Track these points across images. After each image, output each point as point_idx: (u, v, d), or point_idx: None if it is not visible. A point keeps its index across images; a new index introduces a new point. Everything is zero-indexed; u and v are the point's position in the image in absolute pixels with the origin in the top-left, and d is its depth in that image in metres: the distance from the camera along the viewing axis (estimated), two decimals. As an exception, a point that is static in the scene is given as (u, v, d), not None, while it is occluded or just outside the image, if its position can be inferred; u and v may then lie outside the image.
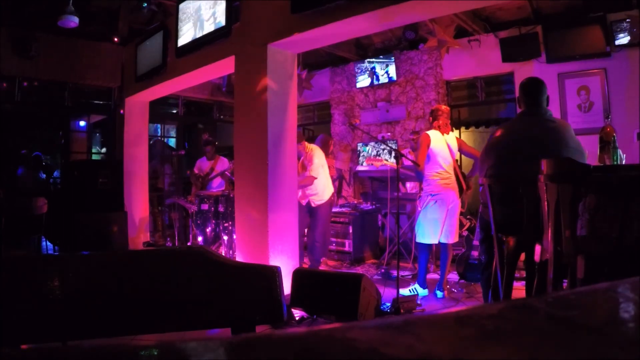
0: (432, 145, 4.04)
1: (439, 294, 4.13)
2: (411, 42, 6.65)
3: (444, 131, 4.14)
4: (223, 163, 6.39)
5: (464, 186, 4.20)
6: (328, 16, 3.60)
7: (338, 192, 6.81)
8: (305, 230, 4.97)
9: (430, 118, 4.26)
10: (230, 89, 7.46)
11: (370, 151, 7.09)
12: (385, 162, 4.65)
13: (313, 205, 4.76)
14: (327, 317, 3.34)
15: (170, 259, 1.00)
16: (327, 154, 5.62)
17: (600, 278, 1.76)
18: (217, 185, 6.31)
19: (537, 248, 2.38)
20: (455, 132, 6.37)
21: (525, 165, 2.29)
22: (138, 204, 6.75)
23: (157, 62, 5.72)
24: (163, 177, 7.91)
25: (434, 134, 4.10)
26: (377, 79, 7.18)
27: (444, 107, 4.28)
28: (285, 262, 3.95)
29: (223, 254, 4.74)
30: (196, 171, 6.39)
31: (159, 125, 9.03)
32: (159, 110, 7.82)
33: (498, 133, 2.81)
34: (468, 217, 4.96)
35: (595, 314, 0.34)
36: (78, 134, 8.41)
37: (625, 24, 5.08)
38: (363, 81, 7.36)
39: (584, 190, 1.74)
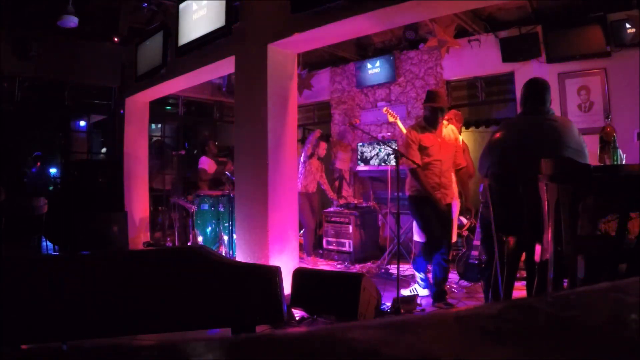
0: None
1: (439, 294, 4.13)
2: (411, 42, 6.65)
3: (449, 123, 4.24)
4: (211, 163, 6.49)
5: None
6: (328, 16, 3.60)
7: (338, 192, 6.81)
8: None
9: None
10: (230, 89, 7.46)
11: (371, 152, 6.98)
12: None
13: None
14: (327, 317, 3.34)
15: (170, 259, 1.00)
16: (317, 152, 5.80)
17: (600, 278, 1.76)
18: None
19: (537, 248, 2.38)
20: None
21: (525, 165, 2.28)
22: (138, 204, 6.75)
23: (157, 62, 5.72)
24: (162, 178, 7.90)
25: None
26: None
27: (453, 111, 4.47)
28: (285, 262, 3.95)
29: (223, 254, 4.73)
30: (208, 169, 6.42)
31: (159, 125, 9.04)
32: (159, 110, 7.81)
33: (498, 133, 2.81)
34: (468, 217, 4.96)
35: (595, 314, 0.34)
36: (78, 134, 8.41)
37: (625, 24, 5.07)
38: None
39: (584, 190, 1.74)
